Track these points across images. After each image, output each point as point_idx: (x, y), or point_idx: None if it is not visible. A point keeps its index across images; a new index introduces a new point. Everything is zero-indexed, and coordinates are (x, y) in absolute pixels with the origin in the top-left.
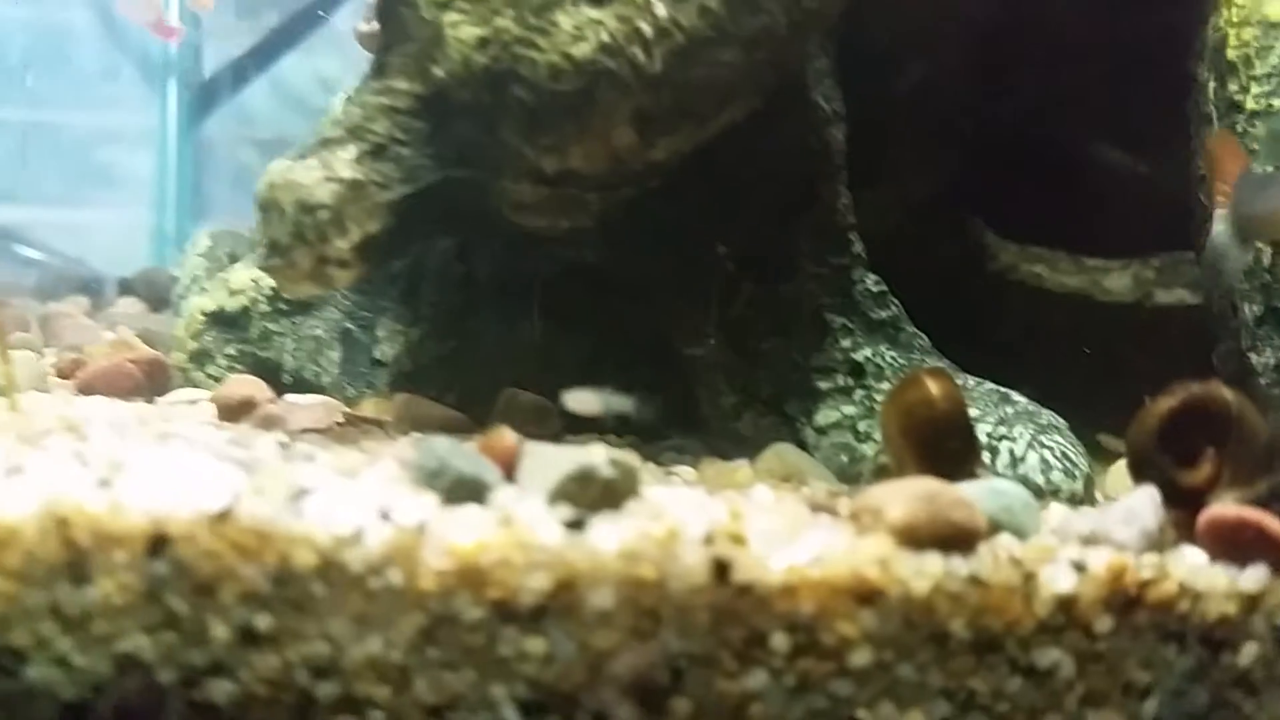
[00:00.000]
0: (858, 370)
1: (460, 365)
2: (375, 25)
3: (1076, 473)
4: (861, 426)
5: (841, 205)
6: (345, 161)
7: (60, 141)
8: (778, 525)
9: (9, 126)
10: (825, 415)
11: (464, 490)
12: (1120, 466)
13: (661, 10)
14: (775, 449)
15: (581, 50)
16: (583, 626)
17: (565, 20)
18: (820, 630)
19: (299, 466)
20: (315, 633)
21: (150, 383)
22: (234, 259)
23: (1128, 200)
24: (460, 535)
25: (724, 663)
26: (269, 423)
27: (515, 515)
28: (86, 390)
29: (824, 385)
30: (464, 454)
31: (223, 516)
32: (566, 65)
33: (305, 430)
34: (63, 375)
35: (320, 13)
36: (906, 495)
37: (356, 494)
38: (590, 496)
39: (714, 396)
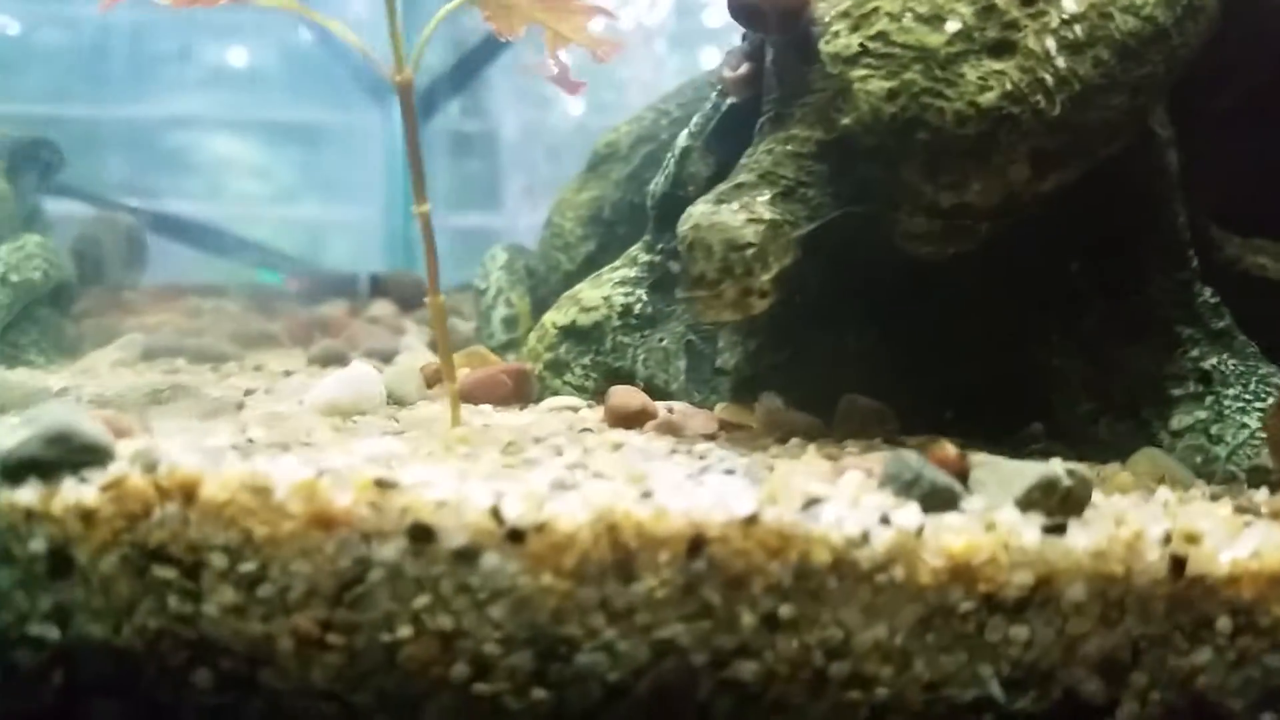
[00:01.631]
0: (1206, 377)
1: (794, 372)
2: (743, 70)
3: None
4: (1213, 430)
5: (1180, 223)
6: (763, 204)
7: (294, 145)
8: (1215, 525)
9: (249, 130)
10: (1179, 420)
11: (938, 498)
12: None
13: (1061, 62)
14: (1146, 453)
15: (987, 98)
16: (1059, 615)
17: (971, 72)
18: (1258, 613)
19: (783, 476)
20: (830, 620)
21: (518, 390)
22: (530, 271)
23: None
24: (951, 538)
25: (1176, 642)
26: (669, 429)
27: (996, 521)
28: (467, 399)
29: (1176, 392)
30: (930, 466)
31: (751, 520)
32: (972, 112)
33: (702, 436)
34: (428, 384)
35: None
36: None
37: (851, 501)
38: (1052, 503)
39: (1072, 404)
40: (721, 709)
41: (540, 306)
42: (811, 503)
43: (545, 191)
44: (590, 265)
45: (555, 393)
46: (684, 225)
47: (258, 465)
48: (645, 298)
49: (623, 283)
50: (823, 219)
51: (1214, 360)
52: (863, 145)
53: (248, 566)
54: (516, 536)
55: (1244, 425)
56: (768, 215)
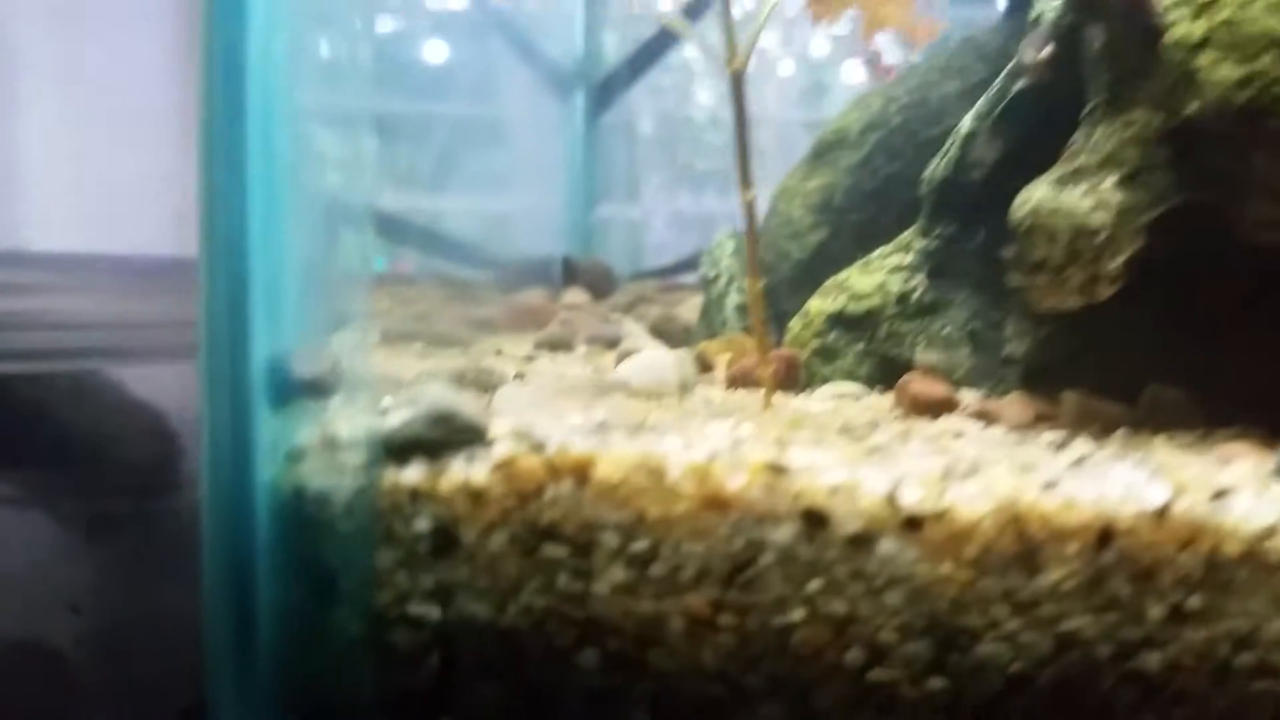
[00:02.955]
0: None
1: (1087, 362)
2: (1046, 53)
3: None
4: None
5: None
6: (1110, 188)
7: (484, 138)
8: None
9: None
10: None
11: None
12: None
13: None
14: None
15: None
16: None
17: None
18: None
19: (1176, 467)
20: (1238, 611)
21: (789, 377)
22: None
23: None
24: None
25: None
26: (984, 417)
27: None
28: (736, 384)
29: None
30: None
31: (1161, 513)
32: None
33: (1019, 426)
34: (701, 369)
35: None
36: None
37: (1256, 492)
38: None
39: None
40: (1124, 701)
41: (769, 294)
42: (1221, 494)
43: (683, 183)
44: (821, 253)
45: (824, 379)
46: (1021, 210)
47: (645, 447)
48: (923, 284)
49: (897, 269)
50: (1168, 204)
51: None
52: (1210, 132)
53: (640, 546)
54: (914, 524)
55: None
56: (1114, 200)
